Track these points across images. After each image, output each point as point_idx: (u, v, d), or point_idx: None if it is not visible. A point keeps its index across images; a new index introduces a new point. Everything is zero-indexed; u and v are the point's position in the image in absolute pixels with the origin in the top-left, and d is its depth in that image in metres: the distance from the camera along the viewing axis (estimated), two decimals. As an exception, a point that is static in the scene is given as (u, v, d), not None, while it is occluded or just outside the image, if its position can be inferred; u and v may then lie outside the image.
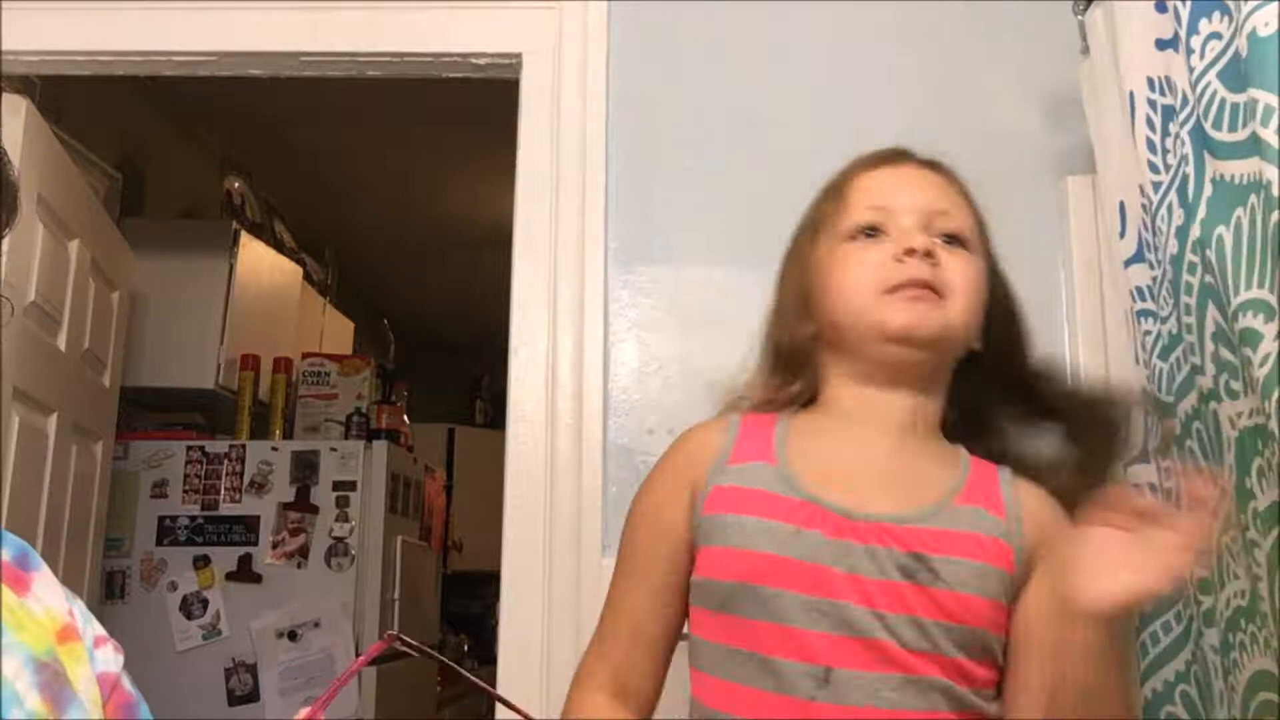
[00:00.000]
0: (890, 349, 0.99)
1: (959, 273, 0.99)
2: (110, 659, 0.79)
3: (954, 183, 1.07)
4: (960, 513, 0.97)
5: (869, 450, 1.00)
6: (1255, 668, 1.12)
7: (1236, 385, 1.08)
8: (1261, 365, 1.00)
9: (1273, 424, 1.01)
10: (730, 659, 0.94)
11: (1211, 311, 1.12)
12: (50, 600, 0.76)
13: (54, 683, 0.70)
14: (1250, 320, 1.02)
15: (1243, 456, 1.09)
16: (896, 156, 1.08)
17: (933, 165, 1.07)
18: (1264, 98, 0.99)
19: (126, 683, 0.81)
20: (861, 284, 0.99)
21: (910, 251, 0.97)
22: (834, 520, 0.94)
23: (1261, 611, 1.09)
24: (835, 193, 1.06)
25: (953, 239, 1.01)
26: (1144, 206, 1.27)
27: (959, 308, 0.99)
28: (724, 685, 0.94)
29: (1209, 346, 1.15)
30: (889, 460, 1.00)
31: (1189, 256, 1.18)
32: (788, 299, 1.08)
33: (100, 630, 0.81)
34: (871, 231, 1.01)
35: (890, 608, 0.91)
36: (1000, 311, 1.06)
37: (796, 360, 1.06)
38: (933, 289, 0.97)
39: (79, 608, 0.80)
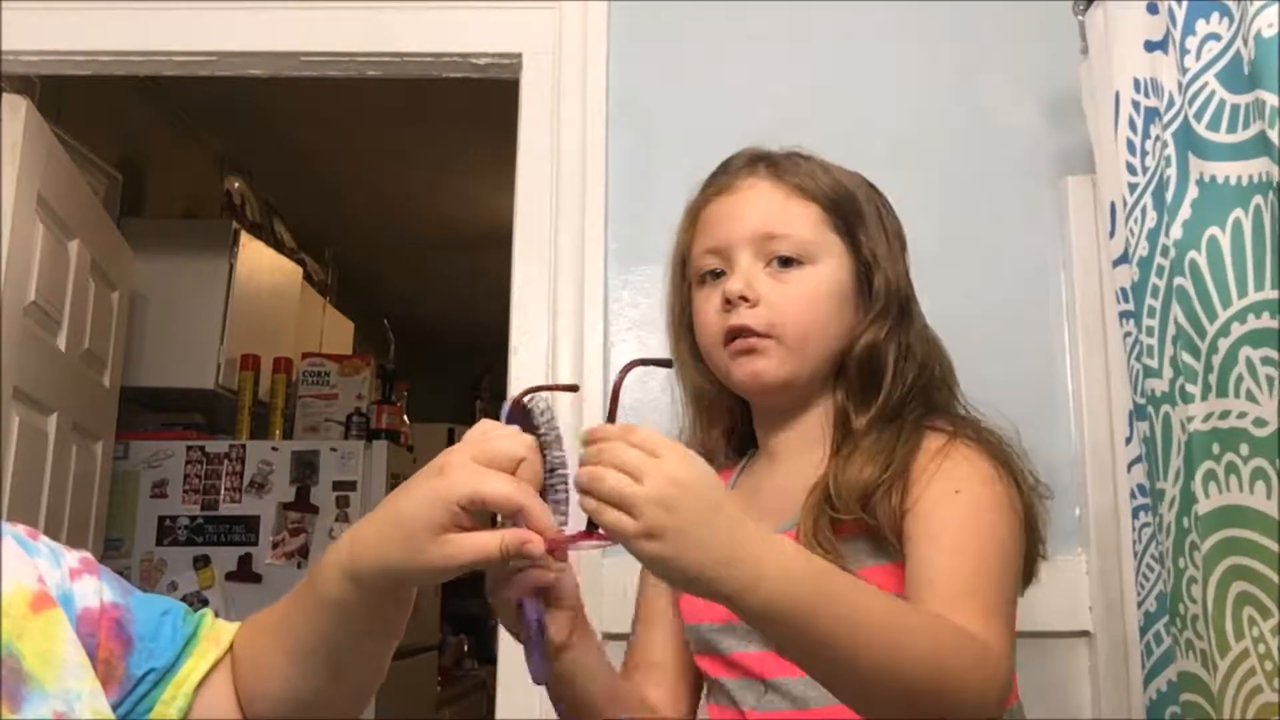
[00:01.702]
0: (748, 391, 1.03)
1: (787, 301, 0.98)
2: (89, 590, 0.76)
3: (793, 183, 1.03)
4: None
5: (793, 481, 1.00)
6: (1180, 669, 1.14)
7: (1192, 389, 1.09)
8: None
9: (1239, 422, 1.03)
10: (711, 688, 1.04)
11: (1175, 314, 1.12)
12: (16, 573, 0.72)
13: (9, 680, 0.68)
14: (1264, 321, 1.02)
15: (1190, 460, 1.09)
16: (735, 175, 1.06)
17: (771, 169, 1.05)
18: (1270, 99, 0.99)
19: (109, 592, 0.78)
20: (708, 335, 1.02)
21: (726, 302, 0.99)
22: None
23: (1193, 615, 1.10)
24: (690, 223, 1.08)
25: (787, 260, 1.00)
26: (1125, 206, 1.28)
27: (790, 339, 0.98)
28: (712, 708, 1.04)
29: (1168, 350, 1.16)
30: (784, 484, 1.01)
31: (1157, 259, 1.18)
32: (679, 341, 1.09)
33: (72, 560, 0.78)
34: (715, 274, 1.02)
35: None
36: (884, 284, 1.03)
37: (710, 405, 1.09)
38: (755, 333, 0.98)
39: (46, 553, 0.76)
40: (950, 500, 0.91)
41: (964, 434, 0.96)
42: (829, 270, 1.01)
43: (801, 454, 1.02)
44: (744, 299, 0.98)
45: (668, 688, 1.07)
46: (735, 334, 0.99)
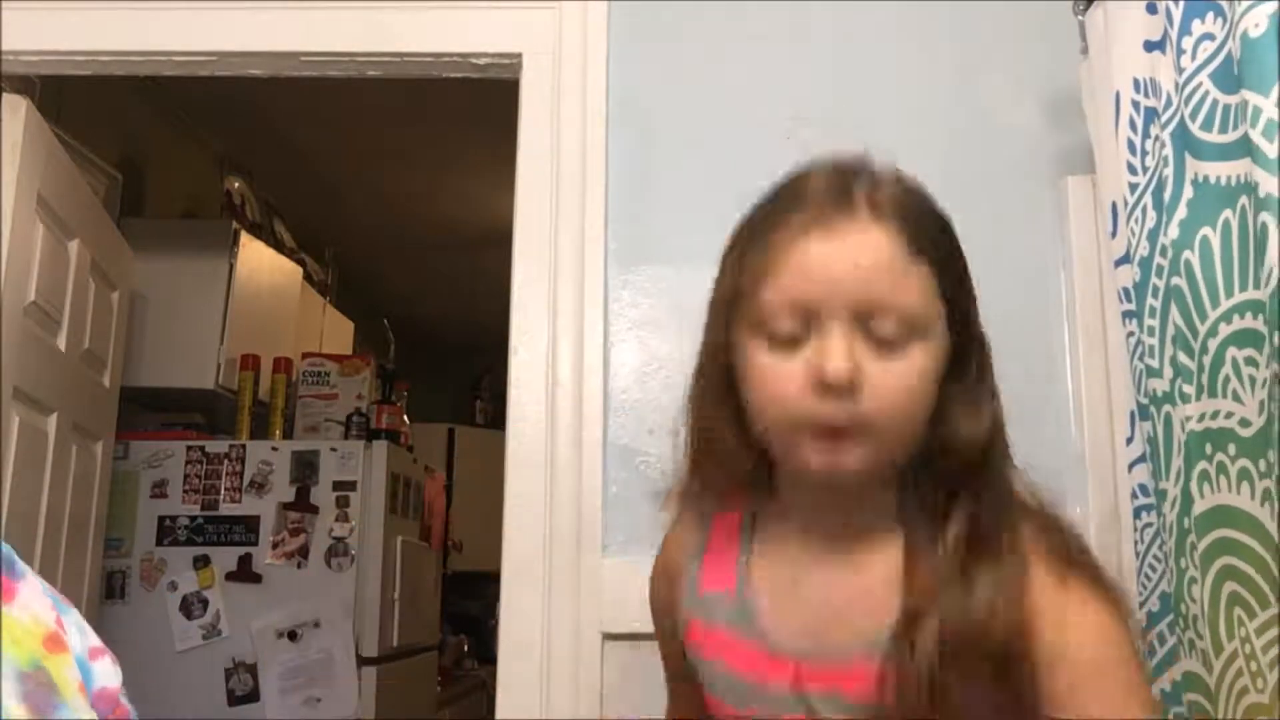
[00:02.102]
0: (818, 478, 0.86)
1: (892, 393, 0.81)
2: (109, 672, 0.78)
3: (909, 234, 0.83)
4: None
5: (827, 570, 0.90)
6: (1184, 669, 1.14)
7: (1189, 389, 1.09)
8: (1266, 366, 1.01)
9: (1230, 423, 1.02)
10: None
11: (1173, 314, 1.12)
12: (36, 607, 0.74)
13: (38, 693, 0.69)
14: (1248, 321, 1.02)
15: (1189, 460, 1.10)
16: (832, 207, 0.84)
17: (879, 208, 0.84)
18: (1254, 99, 0.99)
19: (125, 699, 0.79)
20: (779, 410, 0.83)
21: (822, 384, 0.80)
22: (792, 667, 0.88)
23: (1193, 614, 1.10)
24: (761, 255, 0.85)
25: (889, 343, 0.81)
26: (1126, 206, 1.28)
27: (887, 437, 0.82)
28: None
29: (1168, 350, 1.16)
30: (849, 577, 0.89)
31: (1157, 259, 1.19)
32: (708, 385, 0.91)
33: (96, 641, 0.79)
34: (790, 339, 0.82)
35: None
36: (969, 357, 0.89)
37: (725, 460, 0.91)
38: (850, 429, 0.81)
39: (73, 618, 0.78)
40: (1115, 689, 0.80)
41: (1076, 565, 0.83)
42: (934, 349, 0.84)
43: (860, 541, 0.88)
44: (850, 385, 0.79)
45: None
46: (820, 430, 0.81)
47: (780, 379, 0.82)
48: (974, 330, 0.89)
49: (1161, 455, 1.19)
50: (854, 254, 0.82)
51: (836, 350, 0.80)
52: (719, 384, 0.89)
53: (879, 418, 0.81)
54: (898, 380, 0.81)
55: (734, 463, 0.91)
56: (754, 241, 0.87)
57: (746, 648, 0.90)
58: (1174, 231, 1.12)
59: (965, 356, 0.87)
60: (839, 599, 0.88)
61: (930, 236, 0.85)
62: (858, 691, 0.84)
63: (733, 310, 0.87)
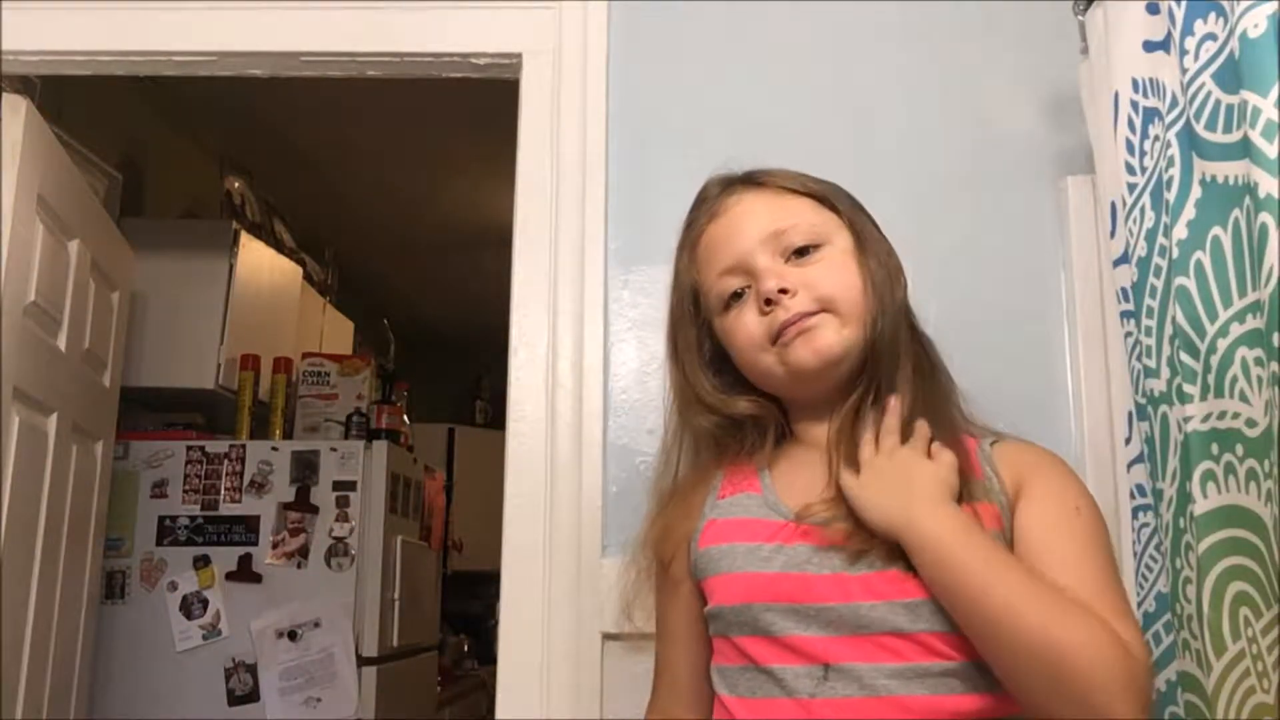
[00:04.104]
0: (809, 384, 1.04)
1: (823, 279, 1.02)
2: None
3: (776, 185, 1.09)
4: None
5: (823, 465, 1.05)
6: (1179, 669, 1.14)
7: (1190, 389, 1.09)
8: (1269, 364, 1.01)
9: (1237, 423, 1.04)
10: (743, 676, 1.00)
11: (1176, 314, 1.12)
12: None
13: None
14: (1259, 322, 1.02)
15: (1187, 461, 1.09)
16: (718, 200, 1.10)
17: (749, 183, 1.10)
18: (1253, 99, 0.99)
19: None
20: (751, 349, 1.04)
21: (766, 302, 1.01)
22: (817, 532, 0.99)
23: (1188, 615, 1.10)
24: (689, 258, 1.11)
25: (803, 250, 1.03)
26: (1124, 206, 1.28)
27: (844, 307, 1.02)
28: (741, 702, 0.99)
29: (1165, 350, 1.16)
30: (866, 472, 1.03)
31: (1155, 259, 1.18)
32: (699, 378, 1.10)
33: None
34: (738, 294, 1.05)
35: (880, 596, 0.95)
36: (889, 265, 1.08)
37: (720, 443, 1.10)
38: (807, 314, 1.00)
39: None
40: (1073, 518, 0.98)
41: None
42: (843, 243, 1.05)
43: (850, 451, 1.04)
44: (783, 291, 1.00)
45: (692, 705, 1.10)
46: (781, 332, 1.01)
47: (743, 323, 1.04)
48: (879, 251, 1.08)
49: (1158, 455, 1.19)
50: (741, 214, 1.07)
51: (766, 274, 1.02)
52: (706, 374, 1.09)
53: (823, 297, 1.01)
54: (820, 271, 1.03)
55: (724, 442, 1.09)
56: (683, 249, 1.13)
57: (770, 525, 1.02)
58: (1181, 231, 1.12)
59: (866, 250, 1.06)
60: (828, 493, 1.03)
61: (797, 182, 1.08)
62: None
63: (698, 304, 1.09)
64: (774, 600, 0.97)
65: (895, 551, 0.95)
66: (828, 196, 1.08)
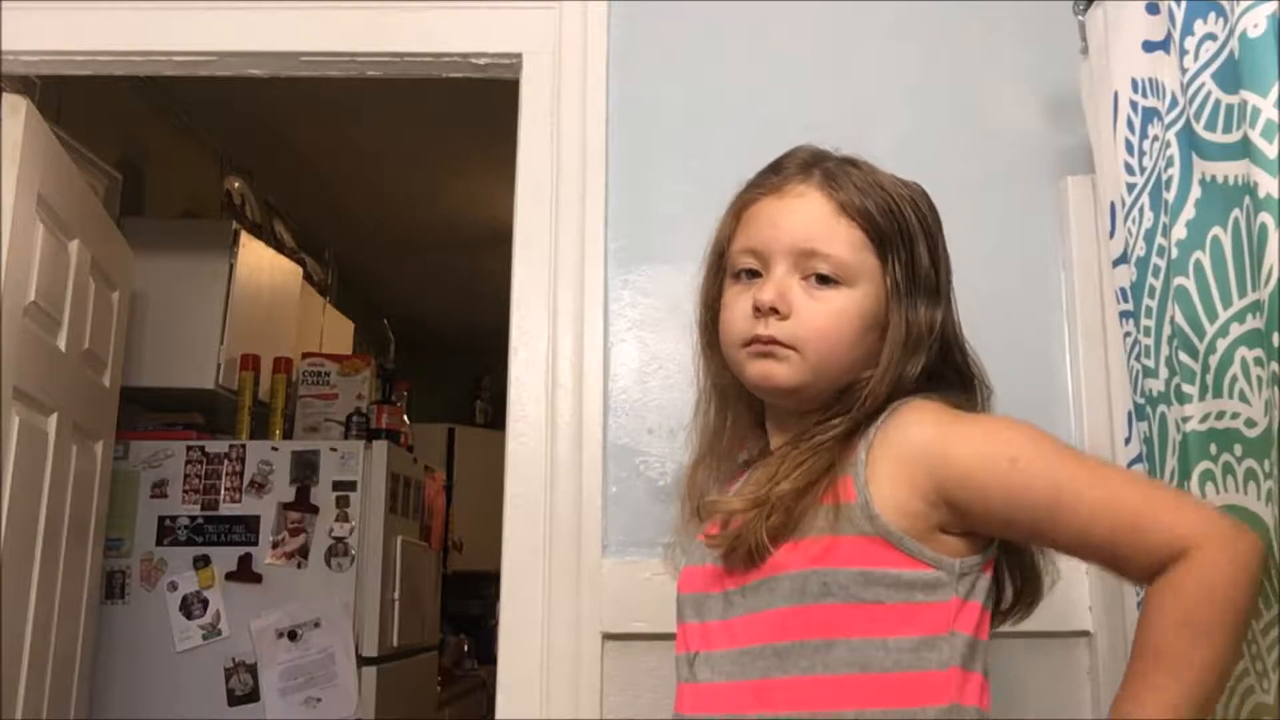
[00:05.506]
0: (757, 390, 1.05)
1: (814, 320, 0.99)
2: None
3: (842, 199, 1.01)
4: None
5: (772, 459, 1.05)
6: None
7: (1189, 389, 1.09)
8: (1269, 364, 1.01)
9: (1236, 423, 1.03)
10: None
11: (1175, 314, 1.12)
12: None
13: None
14: (1258, 322, 1.02)
15: (1185, 461, 1.09)
16: (787, 177, 1.04)
17: (825, 178, 1.03)
18: (1253, 99, 0.99)
19: None
20: (731, 334, 1.04)
21: (757, 309, 1.00)
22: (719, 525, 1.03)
23: None
24: (733, 217, 1.08)
25: (824, 278, 1.00)
26: (1124, 206, 1.28)
27: (812, 356, 0.99)
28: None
29: (1164, 350, 1.16)
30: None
31: (1154, 259, 1.18)
32: (708, 329, 1.10)
33: None
34: (750, 273, 1.04)
35: (733, 584, 0.98)
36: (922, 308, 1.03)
37: (734, 396, 1.11)
38: (778, 343, 0.99)
39: None
40: (1023, 477, 0.93)
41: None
42: (861, 295, 1.01)
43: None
44: (775, 310, 0.99)
45: None
46: (753, 342, 1.01)
47: (735, 305, 1.03)
48: (911, 300, 1.02)
49: (1157, 455, 1.18)
50: (794, 208, 1.02)
51: (771, 283, 1.00)
52: (713, 327, 1.08)
53: (798, 337, 0.99)
54: (820, 309, 1.00)
55: (735, 395, 1.10)
56: (733, 208, 1.09)
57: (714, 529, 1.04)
58: (1180, 231, 1.12)
59: (891, 308, 1.02)
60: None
61: (868, 209, 1.01)
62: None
63: (720, 262, 1.08)
64: (681, 590, 1.06)
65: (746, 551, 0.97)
66: (887, 236, 1.01)
